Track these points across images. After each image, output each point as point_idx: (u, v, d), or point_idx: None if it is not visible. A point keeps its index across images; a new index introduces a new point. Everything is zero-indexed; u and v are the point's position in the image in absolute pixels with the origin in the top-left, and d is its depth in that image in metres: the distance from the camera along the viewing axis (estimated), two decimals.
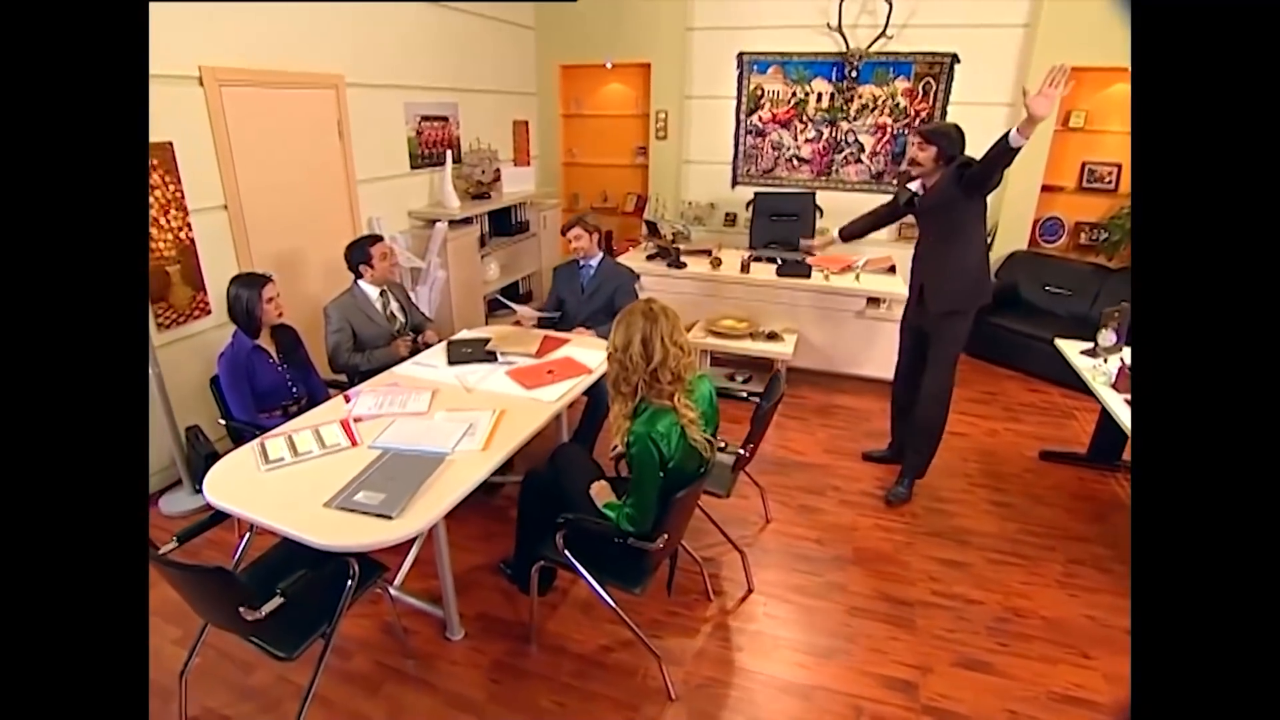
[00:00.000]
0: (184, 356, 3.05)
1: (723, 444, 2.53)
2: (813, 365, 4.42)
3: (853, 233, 3.42)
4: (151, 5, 2.73)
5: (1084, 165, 5.08)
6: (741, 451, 2.45)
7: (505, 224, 5.42)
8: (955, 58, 5.06)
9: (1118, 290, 4.55)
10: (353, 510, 1.86)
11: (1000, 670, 2.23)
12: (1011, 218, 5.18)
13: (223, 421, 2.56)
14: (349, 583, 1.87)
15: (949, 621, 2.44)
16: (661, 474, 1.89)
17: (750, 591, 2.58)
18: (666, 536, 1.91)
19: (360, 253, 2.91)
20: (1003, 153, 2.49)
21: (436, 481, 2.00)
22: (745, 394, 2.73)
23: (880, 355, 4.20)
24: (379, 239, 2.98)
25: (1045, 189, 5.14)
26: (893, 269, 4.47)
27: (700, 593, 2.55)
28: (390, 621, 2.35)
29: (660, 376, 1.89)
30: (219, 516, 2.00)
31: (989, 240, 3.02)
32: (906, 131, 5.37)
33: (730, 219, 6.04)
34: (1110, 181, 5.02)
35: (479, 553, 2.74)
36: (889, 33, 5.07)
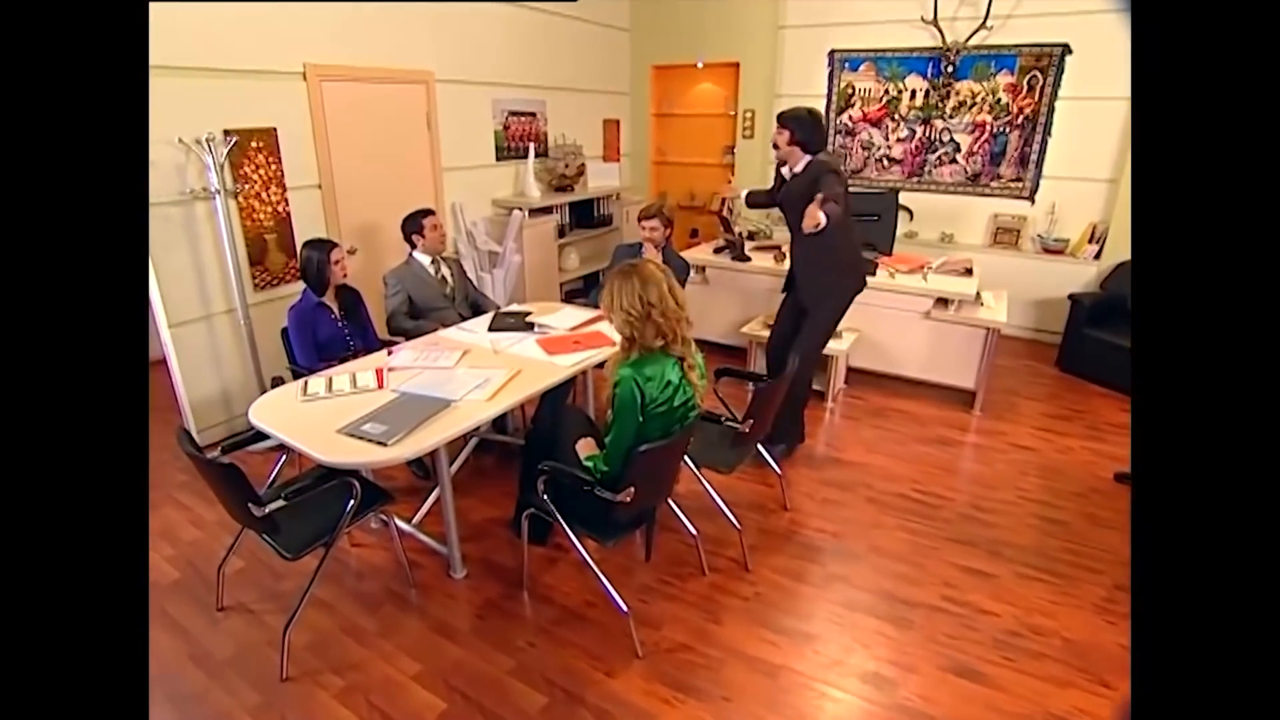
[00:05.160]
0: (274, 315, 3.49)
1: (722, 417, 2.55)
2: (875, 366, 4.25)
3: (755, 203, 3.40)
4: (267, 10, 3.21)
5: None
6: (739, 426, 2.45)
7: (588, 216, 5.67)
8: (1066, 48, 4.68)
9: None
10: (357, 436, 2.10)
11: (995, 682, 2.07)
12: (1122, 225, 4.69)
13: (289, 366, 2.93)
14: (350, 501, 2.11)
15: (951, 627, 2.29)
16: (641, 417, 1.97)
17: (746, 571, 2.56)
18: (634, 491, 1.97)
19: (414, 224, 3.22)
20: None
21: (437, 422, 2.20)
22: (765, 377, 2.70)
23: (949, 360, 3.98)
24: (431, 212, 3.27)
25: None
26: (969, 271, 4.20)
27: (696, 566, 2.57)
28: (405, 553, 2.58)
29: (669, 326, 1.98)
30: (261, 436, 2.32)
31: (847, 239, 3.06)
32: (1008, 130, 5.03)
33: None
34: None
35: (500, 507, 2.92)
36: (989, 24, 4.78)
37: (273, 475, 2.54)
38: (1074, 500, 3.06)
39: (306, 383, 2.49)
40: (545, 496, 2.14)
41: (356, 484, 2.10)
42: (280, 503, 1.94)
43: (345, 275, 2.97)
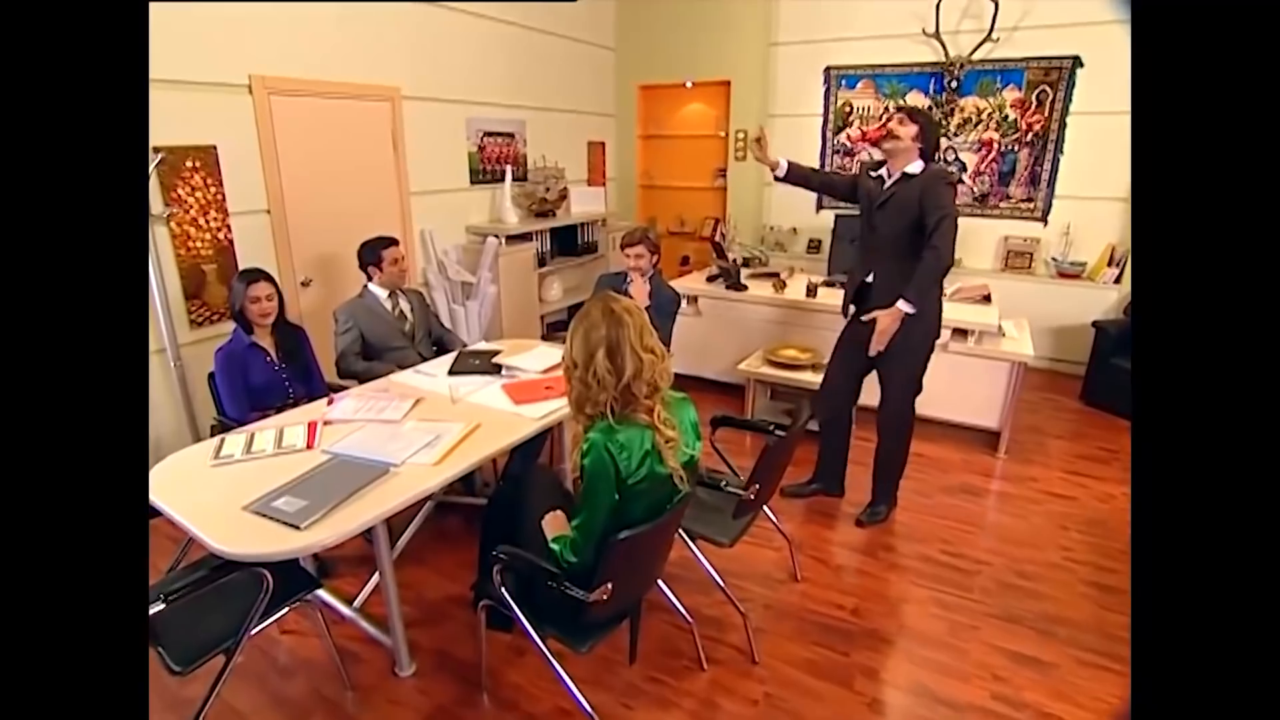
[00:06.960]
0: (212, 356, 3.09)
1: (721, 481, 2.14)
2: None
3: (794, 177, 2.91)
4: (204, 17, 2.86)
5: None
6: (743, 493, 2.03)
7: (571, 243, 5.32)
8: (1077, 61, 4.40)
9: None
10: (266, 516, 1.68)
11: None
12: None
13: (217, 418, 2.52)
14: (260, 597, 1.68)
15: None
16: (617, 495, 1.57)
17: (754, 664, 2.13)
18: (610, 588, 1.56)
19: (372, 253, 2.84)
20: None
21: (370, 494, 1.79)
22: (772, 427, 2.30)
23: (969, 397, 3.60)
24: (393, 242, 2.89)
25: None
26: (988, 298, 3.85)
27: (693, 659, 2.14)
28: (342, 645, 2.14)
29: (635, 390, 1.58)
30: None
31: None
32: (1017, 148, 4.73)
33: (814, 245, 5.60)
34: None
35: (462, 582, 2.48)
36: (995, 36, 4.51)
37: (178, 554, 2.11)
38: (1128, 561, 2.65)
39: (223, 441, 2.07)
40: (504, 588, 1.72)
41: (267, 576, 1.68)
42: (160, 606, 1.51)
43: (267, 316, 2.54)
